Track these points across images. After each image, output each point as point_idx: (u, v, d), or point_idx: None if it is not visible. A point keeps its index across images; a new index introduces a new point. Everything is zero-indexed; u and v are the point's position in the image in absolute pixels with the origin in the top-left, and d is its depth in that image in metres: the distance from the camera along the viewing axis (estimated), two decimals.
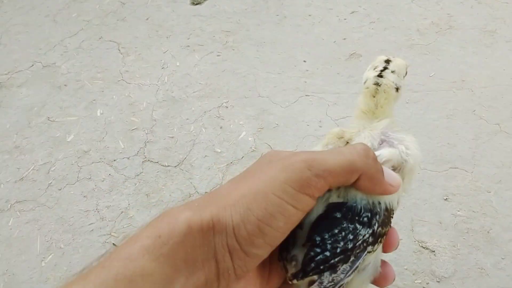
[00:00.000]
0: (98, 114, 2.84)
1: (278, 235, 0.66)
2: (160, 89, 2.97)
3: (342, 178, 0.68)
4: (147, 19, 3.52)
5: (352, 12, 3.37)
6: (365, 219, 0.72)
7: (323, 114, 2.69)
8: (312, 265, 0.71)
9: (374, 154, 0.70)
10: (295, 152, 0.68)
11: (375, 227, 0.73)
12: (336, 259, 0.71)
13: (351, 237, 0.72)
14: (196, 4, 3.61)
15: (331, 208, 0.73)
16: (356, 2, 3.44)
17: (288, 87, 2.89)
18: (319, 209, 0.73)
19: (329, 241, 0.71)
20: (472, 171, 2.38)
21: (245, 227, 0.64)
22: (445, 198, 2.28)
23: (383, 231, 0.74)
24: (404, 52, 3.02)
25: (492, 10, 3.29)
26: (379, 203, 0.73)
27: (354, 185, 0.70)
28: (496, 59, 2.93)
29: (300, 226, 0.70)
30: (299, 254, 0.72)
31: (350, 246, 0.72)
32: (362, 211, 0.73)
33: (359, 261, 0.73)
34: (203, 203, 0.67)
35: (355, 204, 0.73)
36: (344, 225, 0.72)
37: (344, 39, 3.17)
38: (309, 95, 2.82)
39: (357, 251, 0.72)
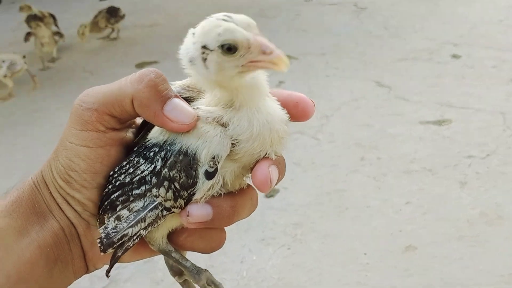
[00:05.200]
0: None
1: (89, 176, 0.69)
2: (239, 284, 3.47)
3: (116, 107, 0.67)
4: None
5: (407, 203, 3.81)
6: (151, 153, 0.68)
7: None
8: (100, 201, 0.71)
9: (154, 81, 0.66)
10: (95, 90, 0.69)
11: (159, 166, 0.67)
12: (115, 195, 0.68)
13: (130, 170, 0.69)
14: (269, 197, 4.22)
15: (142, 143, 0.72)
16: (409, 193, 3.89)
17: (351, 280, 3.29)
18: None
19: (115, 175, 0.69)
20: None
21: (60, 176, 0.69)
22: None
23: (178, 179, 0.66)
24: (454, 244, 3.37)
25: None
26: (173, 143, 0.67)
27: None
28: None
29: None
30: None
31: (127, 179, 0.68)
32: (152, 146, 0.69)
33: (145, 213, 0.67)
34: (49, 157, 0.72)
35: (152, 140, 0.70)
36: (132, 157, 0.69)
37: (400, 231, 3.58)
38: None
39: (136, 191, 0.68)
